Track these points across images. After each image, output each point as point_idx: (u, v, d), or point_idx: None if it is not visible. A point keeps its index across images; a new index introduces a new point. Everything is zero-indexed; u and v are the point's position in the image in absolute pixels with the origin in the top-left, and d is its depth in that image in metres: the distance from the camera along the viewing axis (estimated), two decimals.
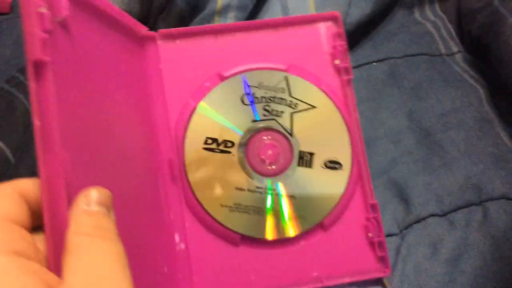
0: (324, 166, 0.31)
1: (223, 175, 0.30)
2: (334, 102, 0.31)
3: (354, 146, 0.31)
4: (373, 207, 0.31)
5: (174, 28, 0.31)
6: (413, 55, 0.43)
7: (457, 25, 0.46)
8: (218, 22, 0.40)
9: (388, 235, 0.34)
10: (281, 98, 0.31)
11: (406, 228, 0.34)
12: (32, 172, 0.32)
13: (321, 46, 0.32)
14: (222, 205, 0.30)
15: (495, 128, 0.38)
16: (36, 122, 0.18)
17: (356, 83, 0.42)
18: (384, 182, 0.36)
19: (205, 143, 0.30)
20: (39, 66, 0.18)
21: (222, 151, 0.30)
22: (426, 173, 0.36)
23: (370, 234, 0.31)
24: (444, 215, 0.34)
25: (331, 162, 0.31)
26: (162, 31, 0.31)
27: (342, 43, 0.32)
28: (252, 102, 0.31)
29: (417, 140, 0.38)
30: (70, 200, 0.19)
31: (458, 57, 0.44)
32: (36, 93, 0.18)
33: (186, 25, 0.42)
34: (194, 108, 0.31)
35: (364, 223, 0.31)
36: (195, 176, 0.30)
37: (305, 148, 0.31)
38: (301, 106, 0.31)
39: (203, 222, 0.30)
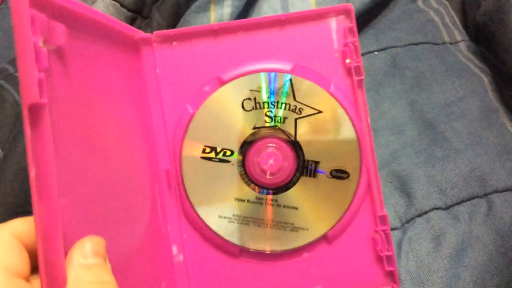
0: (329, 176, 0.29)
1: (221, 185, 0.29)
2: (342, 106, 0.29)
3: (364, 154, 0.29)
4: (382, 219, 0.29)
5: (171, 29, 0.30)
6: (416, 44, 0.43)
7: (461, 12, 0.45)
8: (214, 10, 0.39)
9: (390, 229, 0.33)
10: (285, 103, 0.29)
11: (408, 221, 0.33)
12: (20, 165, 0.31)
13: (331, 44, 0.30)
14: (220, 216, 0.29)
15: (500, 118, 0.37)
16: (32, 172, 0.17)
17: None
18: (385, 174, 0.35)
19: (203, 151, 0.29)
20: (35, 110, 0.17)
21: (221, 160, 0.29)
22: (428, 165, 0.35)
23: (378, 248, 0.29)
24: (447, 208, 0.33)
25: (337, 171, 0.29)
26: (158, 32, 0.30)
27: (354, 40, 0.29)
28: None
29: (420, 131, 0.37)
30: (67, 251, 0.18)
31: (462, 45, 0.43)
32: (32, 139, 0.17)
33: (182, 14, 0.41)
34: (192, 115, 0.29)
35: (372, 235, 0.29)
36: (193, 186, 0.29)
37: (309, 156, 0.29)
38: (306, 111, 0.29)
39: (202, 233, 0.30)
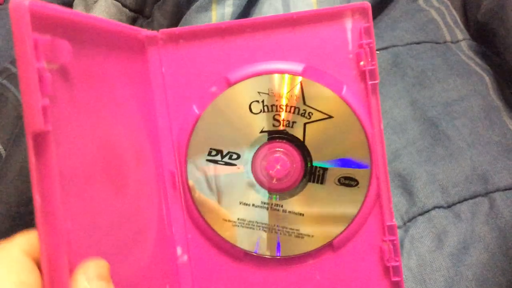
0: (337, 183, 0.28)
1: (227, 189, 0.28)
2: (354, 112, 0.27)
3: (374, 162, 0.28)
4: (391, 228, 0.28)
5: (177, 28, 0.29)
6: (417, 43, 0.42)
7: (462, 11, 0.44)
8: (215, 10, 0.39)
9: None
10: (294, 107, 0.28)
11: (410, 220, 0.33)
12: (22, 164, 0.31)
13: (346, 45, 0.28)
14: (225, 220, 0.29)
15: (502, 117, 0.37)
16: (37, 199, 0.17)
17: None
18: None
19: (209, 154, 0.28)
20: (40, 139, 0.17)
21: (226, 164, 0.28)
22: (430, 164, 0.35)
23: (385, 258, 0.28)
24: (449, 207, 0.33)
25: (346, 178, 0.28)
26: (164, 31, 0.28)
27: (370, 41, 0.27)
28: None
29: (421, 130, 0.37)
30: (72, 271, 0.18)
31: (464, 44, 0.43)
32: (37, 168, 0.17)
33: (183, 14, 0.41)
34: (199, 116, 0.28)
35: (379, 245, 0.28)
36: (198, 189, 0.29)
37: (317, 162, 0.28)
38: (316, 116, 0.28)
39: (206, 236, 0.29)
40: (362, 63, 0.27)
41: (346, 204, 0.28)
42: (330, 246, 0.29)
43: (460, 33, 0.43)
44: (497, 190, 0.33)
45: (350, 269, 0.28)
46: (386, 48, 0.42)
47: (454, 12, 0.45)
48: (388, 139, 0.37)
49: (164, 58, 0.29)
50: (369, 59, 0.27)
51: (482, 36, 0.42)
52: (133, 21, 0.41)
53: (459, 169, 0.34)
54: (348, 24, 0.28)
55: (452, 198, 0.33)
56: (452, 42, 0.43)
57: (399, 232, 0.33)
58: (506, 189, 0.33)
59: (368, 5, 0.27)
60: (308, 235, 0.28)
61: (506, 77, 0.39)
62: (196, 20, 0.39)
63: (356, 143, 0.28)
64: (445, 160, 0.35)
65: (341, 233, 0.28)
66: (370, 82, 0.27)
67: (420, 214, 0.33)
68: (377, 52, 0.42)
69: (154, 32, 0.29)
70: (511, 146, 0.35)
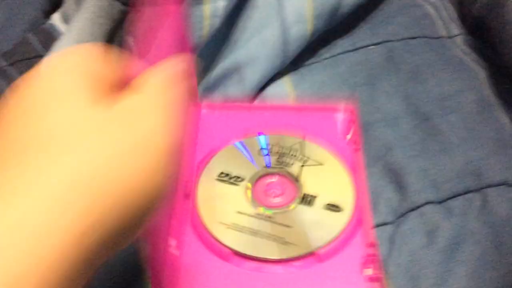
0: (324, 207, 0.32)
1: (227, 199, 0.33)
2: (341, 164, 0.35)
3: (358, 198, 0.33)
4: (371, 246, 0.30)
5: (217, 102, 0.38)
6: (412, 38, 0.42)
7: (458, 6, 0.44)
8: (208, 4, 0.39)
9: (383, 224, 0.32)
10: (293, 155, 0.35)
11: (401, 216, 0.33)
12: None
13: (336, 126, 0.37)
14: (220, 222, 0.32)
15: (496, 112, 0.37)
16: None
17: (352, 67, 0.41)
18: (379, 168, 0.35)
19: (219, 175, 0.34)
20: None
21: (231, 183, 0.34)
22: (423, 159, 0.35)
23: (367, 274, 0.29)
24: (441, 202, 0.33)
25: (332, 205, 0.32)
26: (206, 102, 0.38)
27: (355, 129, 0.36)
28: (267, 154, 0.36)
29: (415, 124, 0.37)
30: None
31: (459, 39, 0.43)
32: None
33: None
34: (216, 152, 0.36)
35: (361, 262, 0.30)
36: (203, 195, 0.33)
37: (309, 191, 0.33)
38: (310, 162, 0.35)
39: (200, 235, 0.32)
40: (348, 136, 0.36)
41: (332, 223, 0.31)
42: (314, 257, 0.30)
43: (456, 28, 0.43)
44: (490, 185, 0.33)
45: (333, 282, 0.29)
46: (380, 43, 0.42)
47: (450, 7, 0.45)
48: (380, 133, 0.37)
49: (202, 120, 0.38)
50: (353, 138, 0.36)
51: (478, 31, 0.42)
52: (124, 16, 0.41)
53: (451, 164, 0.34)
54: (339, 115, 0.38)
55: (444, 193, 0.33)
56: (447, 37, 0.43)
57: (390, 228, 0.33)
58: (498, 185, 0.33)
59: (355, 107, 0.37)
60: (293, 244, 0.31)
61: (501, 72, 0.39)
62: (189, 13, 0.39)
63: (342, 183, 0.34)
64: (438, 155, 0.35)
65: (325, 244, 0.30)
66: (354, 147, 0.36)
67: (412, 210, 0.33)
68: (372, 47, 0.42)
69: (199, 103, 0.38)
70: (505, 141, 0.35)
